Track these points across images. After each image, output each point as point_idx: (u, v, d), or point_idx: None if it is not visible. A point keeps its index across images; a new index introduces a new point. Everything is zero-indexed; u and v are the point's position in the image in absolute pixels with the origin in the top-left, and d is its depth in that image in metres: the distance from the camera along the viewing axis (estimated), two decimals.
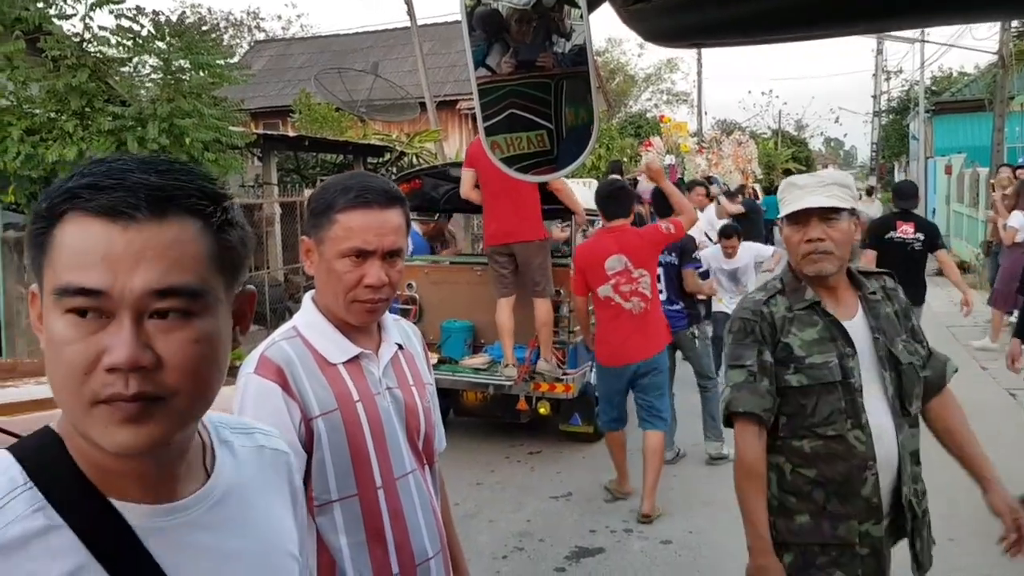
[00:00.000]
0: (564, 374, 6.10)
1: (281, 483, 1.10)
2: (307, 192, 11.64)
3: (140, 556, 0.89)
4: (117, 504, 0.89)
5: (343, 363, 1.73)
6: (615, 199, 5.30)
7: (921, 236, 6.56)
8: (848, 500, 2.26)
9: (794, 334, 2.31)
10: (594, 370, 6.05)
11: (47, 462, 0.89)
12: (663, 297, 5.88)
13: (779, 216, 2.43)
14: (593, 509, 5.24)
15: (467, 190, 5.96)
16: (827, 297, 2.36)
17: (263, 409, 1.60)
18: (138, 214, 0.83)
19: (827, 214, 2.31)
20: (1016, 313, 9.77)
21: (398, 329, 1.90)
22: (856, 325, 2.34)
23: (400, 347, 1.86)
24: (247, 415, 1.58)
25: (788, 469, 2.33)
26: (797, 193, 2.35)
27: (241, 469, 1.03)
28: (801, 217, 2.32)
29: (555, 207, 6.71)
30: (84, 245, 0.83)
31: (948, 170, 19.41)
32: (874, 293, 2.43)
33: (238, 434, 1.07)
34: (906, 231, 6.59)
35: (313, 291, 1.83)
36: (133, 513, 0.90)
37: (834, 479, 2.27)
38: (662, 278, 5.90)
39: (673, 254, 6.04)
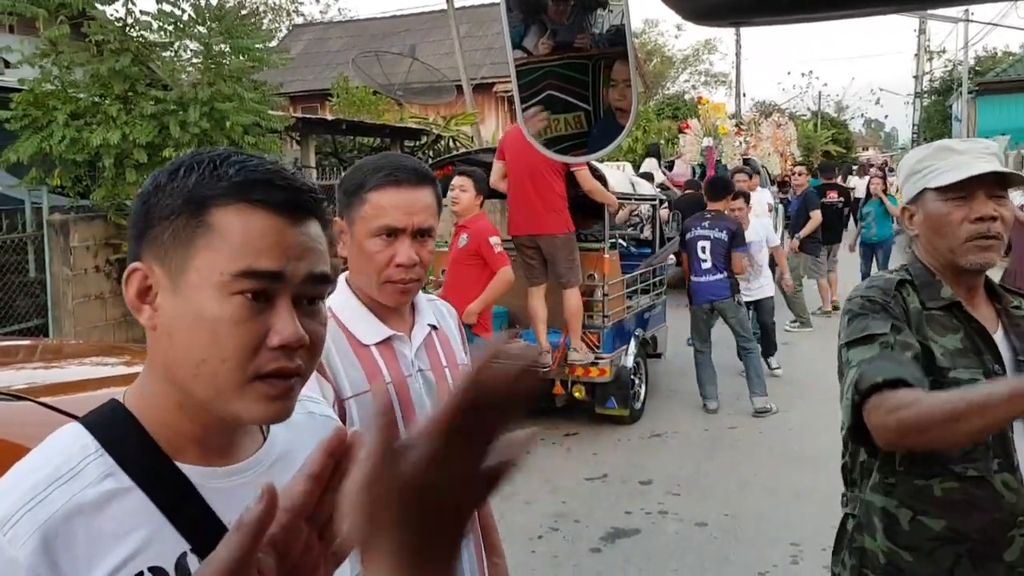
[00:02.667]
0: (598, 358, 6.13)
1: None
2: None
3: (206, 514, 0.95)
4: (182, 467, 0.96)
5: (376, 344, 1.73)
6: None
7: (842, 199, 11.56)
8: (984, 565, 1.73)
9: (934, 339, 1.79)
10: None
11: (117, 430, 0.96)
12: (707, 266, 6.57)
13: (914, 193, 1.90)
14: (628, 491, 5.26)
15: (496, 180, 6.03)
16: (965, 300, 1.86)
17: None
18: (302, 211, 0.96)
19: (997, 189, 1.81)
20: None
21: (432, 309, 1.89)
22: (1000, 340, 1.84)
23: (434, 328, 1.86)
24: (308, 392, 1.61)
25: (907, 518, 1.78)
26: (956, 159, 1.82)
27: (293, 434, 1.10)
28: (966, 187, 1.78)
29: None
30: (261, 234, 0.92)
31: None
32: (1018, 307, 1.92)
33: None
34: (833, 197, 11.27)
35: (347, 272, 1.83)
36: (197, 475, 0.97)
37: (970, 536, 1.73)
38: (708, 250, 6.58)
39: (724, 232, 6.61)
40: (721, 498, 5.10)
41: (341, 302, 1.76)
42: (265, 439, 1.06)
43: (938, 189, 1.82)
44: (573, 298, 5.98)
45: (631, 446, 6.12)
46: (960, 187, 1.79)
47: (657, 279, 7.75)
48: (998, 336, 1.84)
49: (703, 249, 6.65)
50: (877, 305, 1.81)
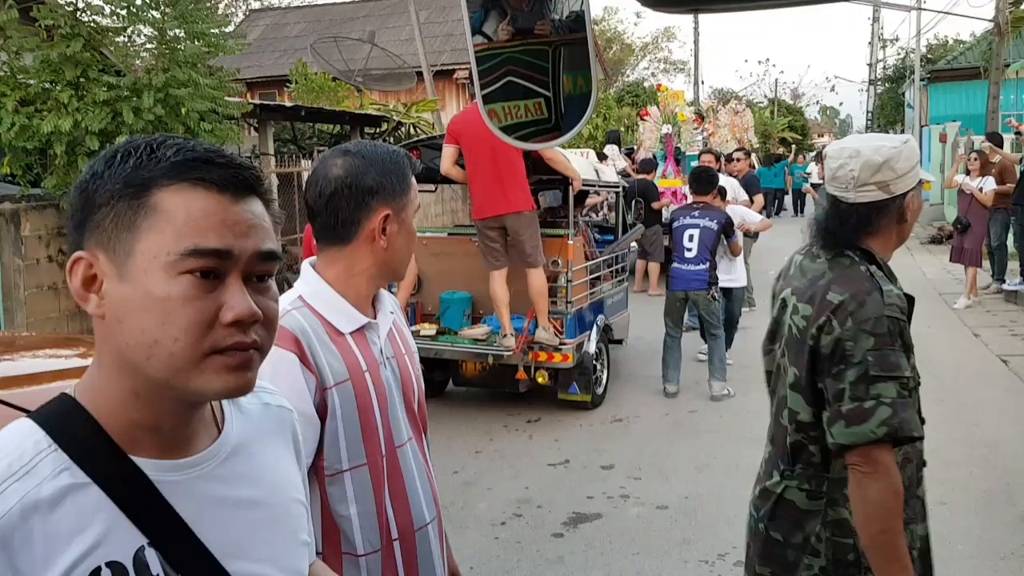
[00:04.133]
0: (562, 343, 6.17)
1: (286, 437, 1.18)
2: (304, 163, 11.60)
3: (163, 508, 0.95)
4: (137, 460, 0.95)
5: (351, 333, 1.73)
6: None
7: None
8: (908, 503, 1.95)
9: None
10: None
11: (68, 425, 0.95)
12: (692, 255, 6.65)
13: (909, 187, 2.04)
14: (590, 475, 5.31)
15: (447, 166, 6.00)
16: None
17: (280, 379, 1.58)
18: (244, 189, 0.96)
19: None
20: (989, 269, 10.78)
21: (387, 299, 1.90)
22: None
23: (392, 314, 1.88)
24: (263, 383, 1.59)
25: None
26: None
27: (249, 424, 1.10)
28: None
29: (552, 176, 6.74)
30: (205, 212, 0.92)
31: (943, 138, 19.36)
32: None
33: None
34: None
35: (312, 259, 1.82)
36: (152, 468, 0.96)
37: (910, 486, 1.97)
38: (695, 239, 6.68)
39: (715, 222, 6.72)
40: (681, 481, 5.16)
41: (315, 292, 1.75)
42: (220, 431, 1.05)
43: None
44: (538, 278, 5.99)
45: (593, 431, 6.17)
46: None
47: (620, 266, 7.80)
48: None
49: (691, 237, 6.73)
50: (897, 327, 1.89)
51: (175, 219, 0.91)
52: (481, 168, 5.81)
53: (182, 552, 0.95)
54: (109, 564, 0.90)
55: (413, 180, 1.78)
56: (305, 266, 1.81)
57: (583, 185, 6.60)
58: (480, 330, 6.33)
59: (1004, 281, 10.83)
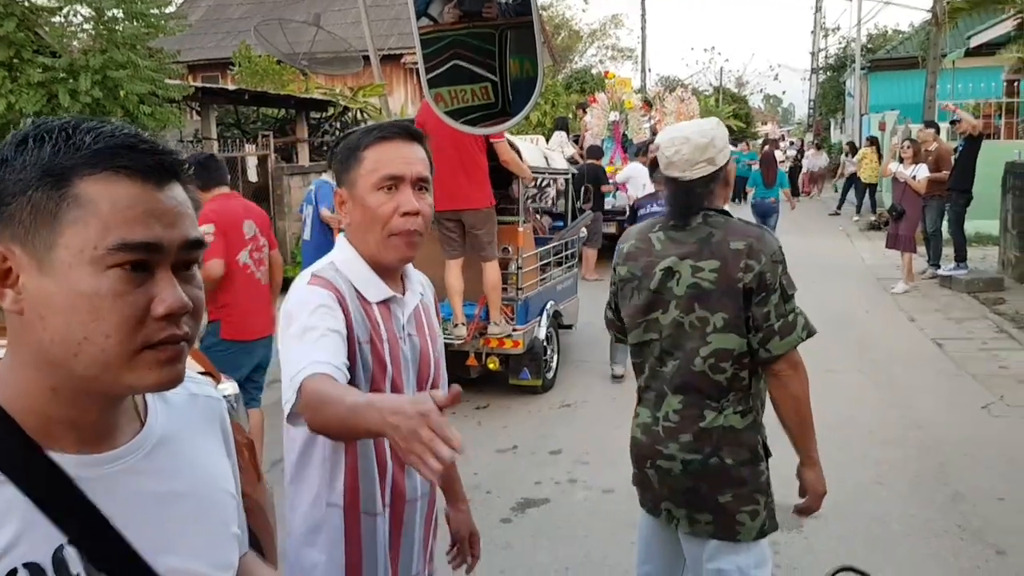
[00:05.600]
0: (514, 330, 6.21)
1: (214, 427, 1.14)
2: (248, 147, 11.41)
3: (82, 505, 0.91)
4: (55, 456, 0.91)
5: (377, 303, 1.78)
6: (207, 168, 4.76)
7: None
8: None
9: None
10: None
11: None
12: None
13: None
14: (538, 461, 5.34)
15: None
16: None
17: (313, 298, 1.65)
18: (168, 175, 0.93)
19: None
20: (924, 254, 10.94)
21: (419, 279, 1.96)
22: None
23: (421, 295, 1.93)
24: (299, 317, 1.64)
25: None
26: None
27: (174, 416, 1.06)
28: None
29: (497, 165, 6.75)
30: (130, 203, 0.89)
31: (882, 126, 19.80)
32: None
33: None
34: None
35: (346, 231, 1.86)
36: (71, 464, 0.92)
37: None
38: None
39: (656, 205, 6.64)
40: (627, 465, 5.18)
41: (347, 259, 1.80)
42: (143, 424, 1.02)
43: None
44: (493, 272, 6.05)
45: (541, 417, 6.20)
46: None
47: (569, 252, 7.84)
48: None
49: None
50: (783, 253, 2.35)
51: (100, 211, 0.87)
52: (445, 161, 5.74)
53: (104, 550, 0.92)
54: (26, 565, 0.87)
55: (375, 151, 1.76)
56: (340, 236, 1.88)
57: (533, 173, 6.63)
58: None
59: (939, 267, 11.12)
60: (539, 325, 6.58)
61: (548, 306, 6.84)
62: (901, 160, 10.97)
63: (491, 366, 6.27)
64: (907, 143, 11.13)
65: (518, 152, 6.27)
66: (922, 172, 10.47)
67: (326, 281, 1.71)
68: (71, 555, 0.89)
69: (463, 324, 6.08)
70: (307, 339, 1.57)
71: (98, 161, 0.88)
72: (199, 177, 4.50)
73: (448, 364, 6.78)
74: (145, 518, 0.97)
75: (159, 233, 0.89)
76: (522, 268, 6.36)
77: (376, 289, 1.78)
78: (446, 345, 6.16)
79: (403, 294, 1.84)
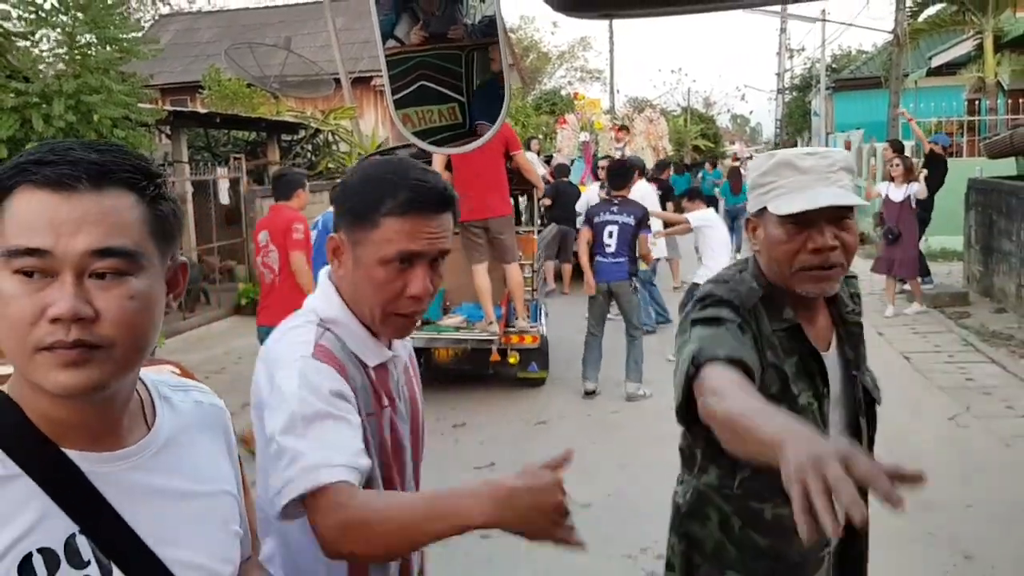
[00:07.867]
0: (531, 326, 6.93)
1: (218, 433, 1.22)
2: (220, 170, 11.37)
3: (94, 497, 0.99)
4: (69, 452, 0.99)
5: (374, 367, 1.59)
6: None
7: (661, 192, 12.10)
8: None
9: (781, 359, 1.74)
10: None
11: (0, 418, 0.98)
12: (611, 250, 7.02)
13: (756, 208, 1.78)
14: None
15: (440, 171, 6.22)
16: (804, 319, 1.80)
17: (325, 383, 1.42)
18: (79, 185, 0.94)
19: (841, 212, 1.68)
20: (919, 280, 10.50)
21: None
22: (831, 358, 1.83)
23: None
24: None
25: (737, 526, 1.83)
26: (799, 180, 1.68)
27: (181, 420, 1.14)
28: (805, 216, 1.66)
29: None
30: (31, 212, 0.93)
31: (848, 145, 20.07)
32: (851, 311, 1.91)
33: (176, 391, 1.19)
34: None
35: (327, 269, 1.63)
36: (84, 460, 1.00)
37: (790, 557, 1.80)
38: (615, 235, 7.02)
39: (631, 217, 7.04)
40: (604, 479, 5.26)
41: (340, 321, 1.56)
42: (151, 427, 1.09)
43: (781, 216, 1.69)
44: (516, 273, 6.80)
45: (517, 433, 6.23)
46: (798, 216, 1.66)
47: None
48: (830, 354, 1.82)
49: (610, 234, 7.05)
50: (734, 307, 1.72)
51: (12, 220, 0.93)
52: (473, 174, 6.34)
53: (113, 539, 0.99)
54: (40, 550, 0.94)
55: (397, 223, 1.48)
56: (323, 278, 1.63)
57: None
58: (456, 319, 7.06)
59: (903, 281, 10.68)
60: (543, 323, 7.38)
61: (542, 307, 7.68)
62: (891, 179, 10.08)
63: (512, 360, 6.95)
64: (896, 161, 10.19)
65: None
66: (915, 189, 9.76)
67: (328, 352, 1.49)
68: (83, 543, 0.97)
69: (495, 322, 6.72)
70: (326, 429, 1.37)
71: (17, 174, 0.95)
72: (273, 191, 5.96)
73: (471, 361, 7.31)
74: (151, 512, 1.04)
75: (50, 241, 0.92)
76: (536, 272, 7.37)
77: (374, 354, 1.58)
78: (477, 341, 6.85)
79: (389, 346, 1.64)
